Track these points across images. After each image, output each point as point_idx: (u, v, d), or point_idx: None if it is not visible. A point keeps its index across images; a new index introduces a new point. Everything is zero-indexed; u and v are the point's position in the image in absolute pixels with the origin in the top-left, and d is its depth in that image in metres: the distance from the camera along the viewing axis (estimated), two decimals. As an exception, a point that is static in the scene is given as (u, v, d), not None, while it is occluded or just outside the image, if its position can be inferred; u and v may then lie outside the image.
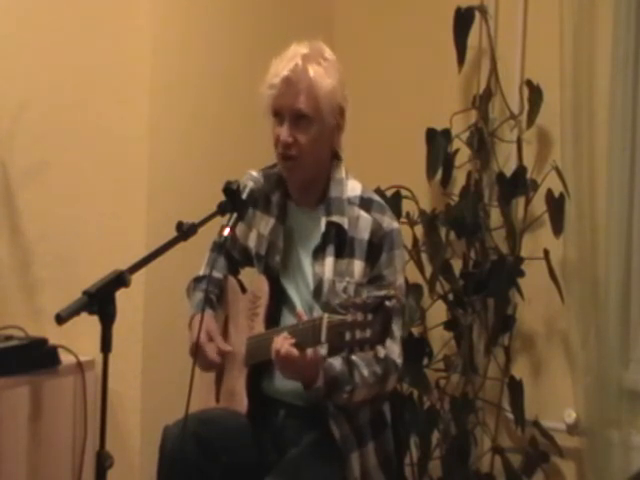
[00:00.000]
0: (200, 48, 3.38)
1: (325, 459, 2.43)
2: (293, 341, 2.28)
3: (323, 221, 2.50)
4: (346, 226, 2.48)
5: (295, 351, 2.27)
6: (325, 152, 2.53)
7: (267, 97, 2.47)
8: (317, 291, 2.48)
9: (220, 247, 2.67)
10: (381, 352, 2.37)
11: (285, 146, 2.47)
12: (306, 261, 2.54)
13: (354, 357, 2.38)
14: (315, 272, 2.49)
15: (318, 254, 2.50)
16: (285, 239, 2.57)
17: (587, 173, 3.29)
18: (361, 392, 2.40)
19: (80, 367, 3.15)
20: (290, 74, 2.42)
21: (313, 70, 2.43)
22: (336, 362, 2.36)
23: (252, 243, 2.66)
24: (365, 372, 2.39)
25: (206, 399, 2.68)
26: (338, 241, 2.49)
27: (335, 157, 2.57)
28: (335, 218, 2.49)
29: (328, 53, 2.50)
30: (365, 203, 2.53)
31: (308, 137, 2.46)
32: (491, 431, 3.48)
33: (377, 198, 2.58)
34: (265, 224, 2.62)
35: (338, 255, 2.48)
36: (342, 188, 2.53)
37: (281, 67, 2.45)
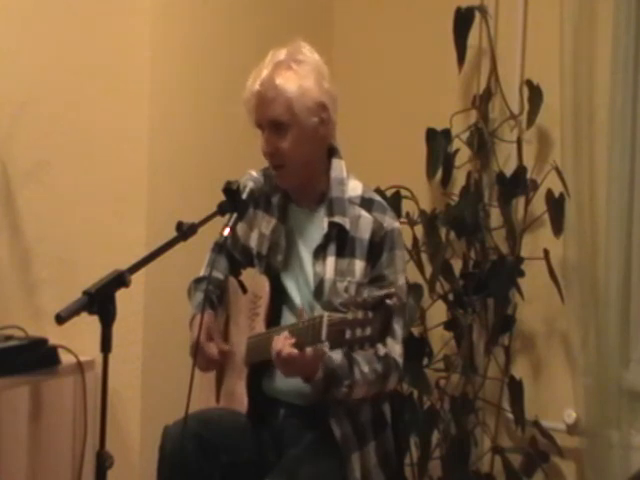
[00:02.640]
0: (200, 48, 3.38)
1: (325, 458, 2.43)
2: (293, 341, 2.28)
3: (325, 221, 2.50)
4: (348, 226, 2.49)
5: (295, 351, 2.27)
6: (314, 150, 2.53)
7: (246, 113, 2.51)
8: (318, 291, 2.48)
9: (221, 247, 2.69)
10: (381, 350, 2.37)
11: (269, 156, 2.51)
12: (307, 261, 2.54)
13: (354, 354, 2.38)
14: (316, 272, 2.50)
15: (319, 254, 2.50)
16: (286, 239, 2.58)
17: (587, 173, 3.29)
18: (361, 389, 2.40)
19: (80, 367, 3.15)
20: (258, 87, 2.46)
21: (280, 77, 2.45)
22: (336, 356, 2.36)
23: (253, 243, 2.66)
24: (365, 369, 2.39)
25: (206, 399, 2.68)
26: (339, 241, 2.49)
27: (332, 152, 2.57)
28: (337, 219, 2.49)
29: (303, 54, 2.50)
30: (366, 203, 2.53)
31: (289, 143, 2.47)
32: (491, 431, 3.48)
33: (378, 198, 2.58)
34: (267, 224, 2.62)
35: (339, 255, 2.49)
36: (343, 188, 2.53)
37: (251, 82, 2.49)
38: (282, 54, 2.49)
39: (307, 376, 2.34)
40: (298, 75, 2.46)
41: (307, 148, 2.50)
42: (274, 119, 2.46)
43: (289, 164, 2.49)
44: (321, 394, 2.39)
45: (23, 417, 3.01)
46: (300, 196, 2.58)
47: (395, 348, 2.44)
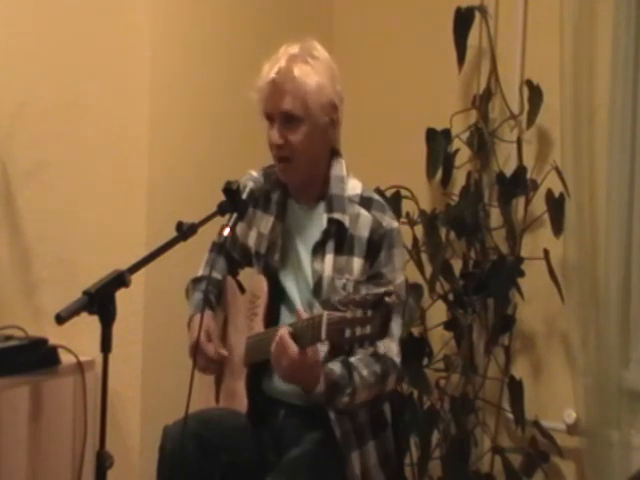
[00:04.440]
0: (200, 48, 3.38)
1: (325, 458, 2.43)
2: (290, 329, 2.28)
3: (324, 218, 2.50)
4: (347, 223, 2.49)
5: (295, 347, 2.26)
6: (321, 149, 2.53)
7: (257, 101, 2.49)
8: (317, 288, 2.48)
9: (220, 247, 2.69)
10: (381, 348, 2.37)
11: (277, 148, 2.49)
12: (305, 258, 2.54)
13: (352, 359, 2.38)
14: (314, 269, 2.49)
15: (318, 251, 2.50)
16: (284, 237, 2.58)
17: (587, 173, 3.29)
18: (362, 394, 2.40)
19: (80, 367, 3.15)
20: (275, 76, 2.43)
21: (298, 69, 2.43)
22: (336, 367, 2.36)
23: (252, 242, 2.66)
24: (364, 372, 2.39)
25: (206, 399, 2.68)
26: (338, 238, 2.49)
27: (334, 153, 2.57)
28: (337, 215, 2.49)
29: (318, 51, 2.50)
30: (365, 202, 2.53)
31: (299, 137, 2.46)
32: (491, 431, 3.48)
33: (377, 197, 2.58)
34: (265, 223, 2.62)
35: (337, 252, 2.49)
36: (343, 186, 2.54)
37: (267, 70, 2.46)
38: (296, 48, 2.48)
39: (307, 385, 2.33)
40: (315, 70, 2.45)
41: (315, 145, 2.50)
42: (287, 111, 2.44)
43: (296, 158, 2.49)
44: (324, 405, 2.39)
45: (23, 417, 3.01)
46: (300, 193, 2.59)
47: (392, 347, 2.44)
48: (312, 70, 2.45)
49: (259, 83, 2.47)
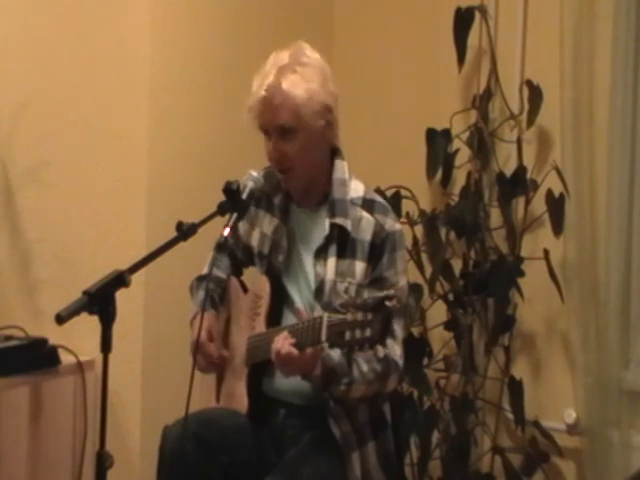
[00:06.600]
0: (200, 48, 3.38)
1: (325, 458, 2.43)
2: (293, 341, 2.29)
3: (327, 223, 2.50)
4: (349, 228, 2.49)
5: (295, 351, 2.27)
6: (320, 154, 2.53)
7: (250, 119, 2.49)
8: (318, 291, 2.48)
9: (221, 247, 2.68)
10: (381, 352, 2.38)
11: (277, 161, 2.49)
12: (308, 261, 2.54)
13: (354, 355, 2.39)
14: (317, 272, 2.50)
15: (320, 255, 2.50)
16: (288, 239, 2.58)
17: (587, 173, 3.29)
18: (359, 388, 2.41)
19: (80, 367, 3.15)
20: (264, 93, 2.43)
21: (286, 81, 2.42)
22: (335, 354, 2.36)
23: (254, 242, 2.66)
24: (364, 368, 2.40)
25: (206, 399, 2.68)
26: (340, 242, 2.49)
27: (335, 153, 2.57)
28: (339, 220, 2.49)
29: (307, 56, 2.48)
30: (368, 204, 2.53)
31: (296, 147, 2.46)
32: (491, 431, 3.48)
33: (380, 199, 2.58)
34: (268, 223, 2.62)
35: (340, 256, 2.49)
36: (345, 189, 2.53)
37: (256, 87, 2.46)
38: (285, 57, 2.47)
39: (305, 372, 2.35)
40: (304, 78, 2.44)
41: (314, 151, 2.50)
42: (281, 125, 2.44)
43: (297, 167, 2.49)
44: (319, 390, 2.39)
45: (23, 417, 3.01)
46: (302, 197, 2.58)
47: (395, 349, 2.44)
48: (301, 79, 2.44)
49: (250, 101, 2.47)
